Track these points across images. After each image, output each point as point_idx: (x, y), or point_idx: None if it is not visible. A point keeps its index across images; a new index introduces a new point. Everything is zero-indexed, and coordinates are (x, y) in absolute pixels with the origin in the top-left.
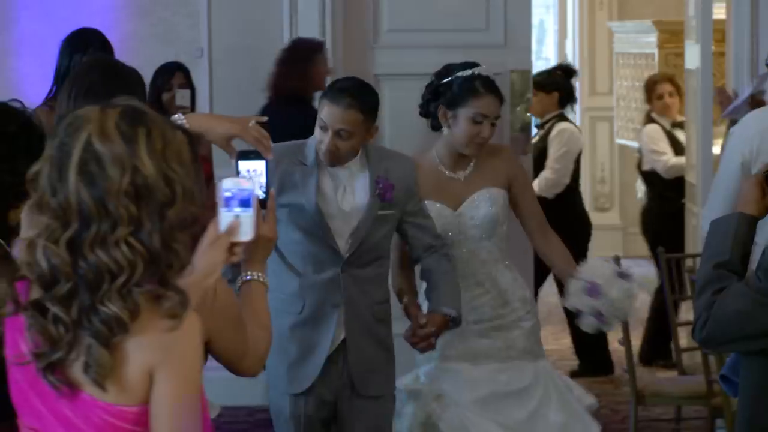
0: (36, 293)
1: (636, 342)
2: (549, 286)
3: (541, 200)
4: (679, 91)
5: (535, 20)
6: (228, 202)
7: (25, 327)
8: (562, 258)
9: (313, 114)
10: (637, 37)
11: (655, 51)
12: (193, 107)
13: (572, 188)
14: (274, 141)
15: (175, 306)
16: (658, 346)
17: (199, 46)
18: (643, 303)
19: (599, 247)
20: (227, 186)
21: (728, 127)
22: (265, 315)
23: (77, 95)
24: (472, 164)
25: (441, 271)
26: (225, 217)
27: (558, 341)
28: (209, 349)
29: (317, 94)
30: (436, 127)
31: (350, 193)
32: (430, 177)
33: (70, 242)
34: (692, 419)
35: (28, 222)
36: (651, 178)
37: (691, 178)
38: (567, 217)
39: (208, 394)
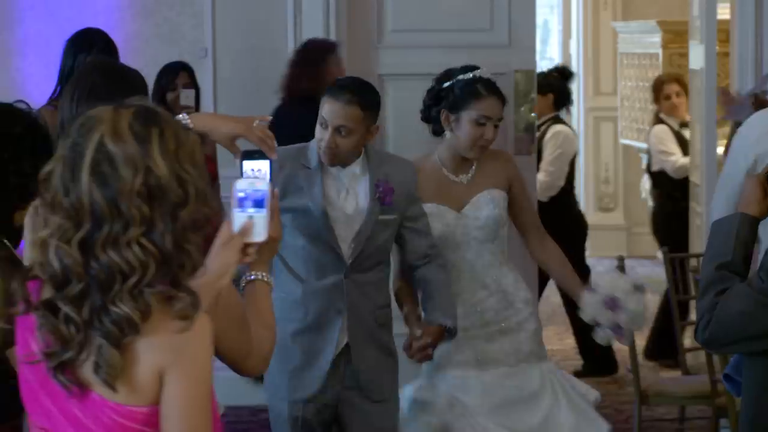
0: (47, 293)
1: (641, 341)
2: (552, 285)
3: (536, 203)
4: (686, 91)
5: (539, 20)
6: (241, 202)
7: (36, 326)
8: (561, 265)
9: None
10: (641, 38)
11: (660, 51)
12: (197, 107)
13: (567, 190)
14: (288, 142)
15: (186, 307)
16: (664, 345)
17: (204, 46)
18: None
19: (603, 247)
20: (241, 186)
21: (733, 128)
22: (269, 315)
23: (80, 98)
24: (473, 167)
25: (437, 281)
26: (238, 217)
27: (562, 341)
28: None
29: None
30: (437, 132)
31: (352, 196)
32: (433, 180)
33: (83, 242)
34: (696, 419)
35: (32, 224)
36: (660, 178)
37: (695, 178)
38: (563, 219)
39: None
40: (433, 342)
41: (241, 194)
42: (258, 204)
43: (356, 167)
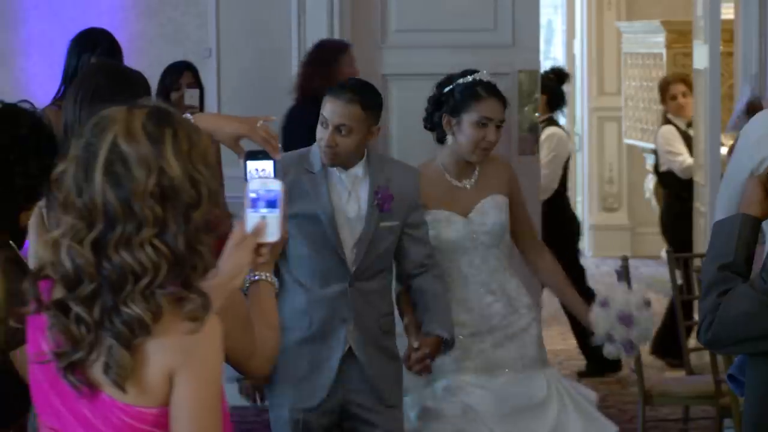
0: (59, 293)
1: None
2: None
3: (540, 205)
4: (692, 90)
5: (543, 20)
6: (254, 203)
7: (47, 326)
8: (562, 284)
9: None
10: (645, 37)
11: (664, 51)
12: (201, 107)
13: (560, 192)
14: (302, 142)
15: (196, 309)
16: (670, 344)
17: (208, 46)
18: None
19: (607, 247)
20: (254, 187)
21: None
22: (273, 315)
23: (83, 99)
24: (476, 172)
25: (434, 292)
26: (251, 217)
27: (566, 341)
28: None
29: None
30: (441, 139)
31: (354, 199)
32: (437, 186)
33: (95, 243)
34: (700, 419)
35: (36, 225)
36: (668, 178)
37: (699, 178)
38: (556, 221)
39: None
40: (430, 353)
41: (254, 194)
42: (271, 204)
43: (358, 169)
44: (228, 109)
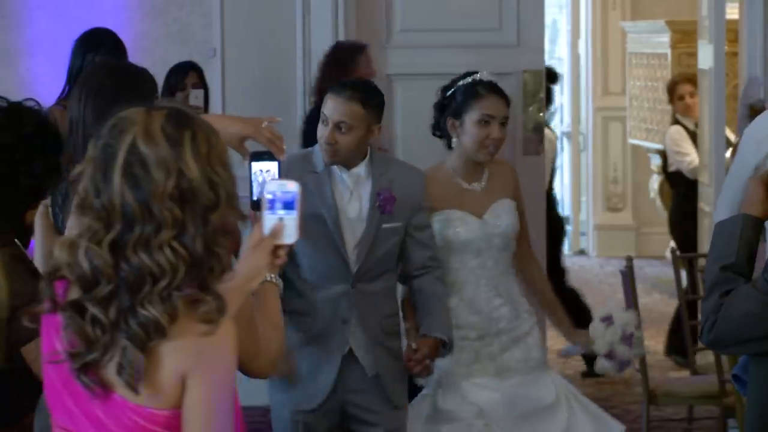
0: (75, 294)
1: (650, 341)
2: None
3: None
4: None
5: (547, 20)
6: (272, 204)
7: (62, 326)
8: (550, 301)
9: None
10: (649, 37)
11: (668, 51)
12: (206, 107)
13: (546, 192)
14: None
15: (211, 311)
16: (679, 343)
17: (213, 46)
18: (655, 302)
19: (611, 247)
20: (271, 188)
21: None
22: (278, 316)
23: (87, 97)
24: (486, 175)
25: (434, 293)
26: (269, 219)
27: (567, 342)
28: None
29: None
30: (451, 145)
31: (356, 199)
32: (448, 188)
33: (113, 244)
34: (704, 419)
35: (42, 223)
36: (677, 178)
37: (703, 178)
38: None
39: None
40: (429, 354)
41: (270, 196)
42: (288, 206)
43: (361, 169)
44: (233, 109)
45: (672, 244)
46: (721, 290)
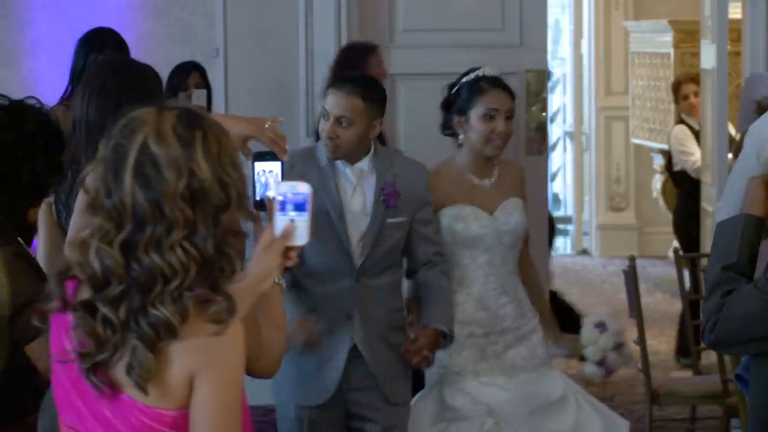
0: (85, 293)
1: (652, 341)
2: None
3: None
4: None
5: (550, 20)
6: (283, 206)
7: (72, 326)
8: (541, 303)
9: None
10: (652, 37)
11: (671, 51)
12: (209, 107)
13: None
14: None
15: (221, 311)
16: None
17: (215, 46)
18: (658, 302)
19: (614, 247)
20: (282, 190)
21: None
22: (281, 316)
23: (90, 94)
24: (496, 172)
25: (438, 287)
26: (280, 221)
27: None
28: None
29: None
30: (461, 143)
31: (359, 194)
32: (457, 183)
33: (124, 244)
34: (707, 419)
35: (45, 221)
36: (681, 178)
37: (706, 177)
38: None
39: None
40: (428, 345)
41: (281, 198)
42: (299, 207)
43: (364, 164)
44: (235, 109)
45: (675, 243)
46: (723, 290)
